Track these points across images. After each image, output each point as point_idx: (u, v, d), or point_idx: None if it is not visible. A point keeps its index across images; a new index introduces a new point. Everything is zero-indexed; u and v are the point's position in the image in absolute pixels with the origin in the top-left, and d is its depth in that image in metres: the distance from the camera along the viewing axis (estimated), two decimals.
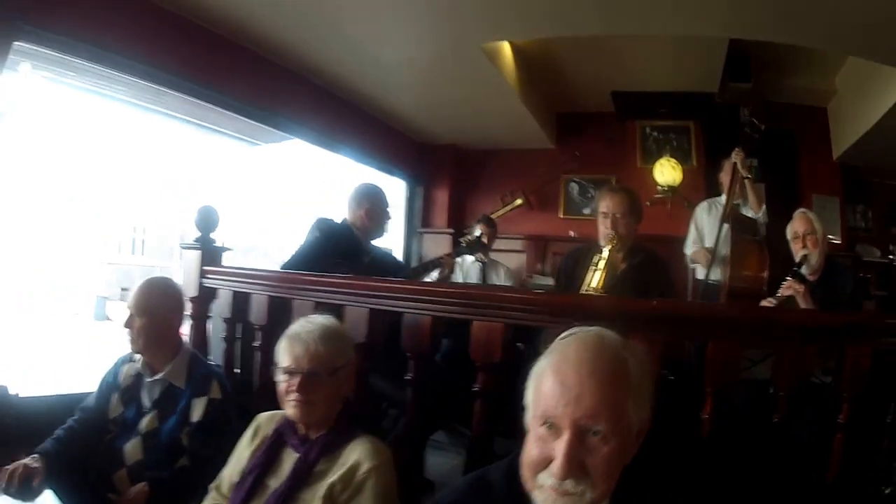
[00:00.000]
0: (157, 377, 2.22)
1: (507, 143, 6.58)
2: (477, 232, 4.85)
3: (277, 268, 3.22)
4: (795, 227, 3.50)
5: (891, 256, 6.47)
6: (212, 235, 2.87)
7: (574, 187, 6.48)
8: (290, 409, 1.74)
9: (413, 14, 3.81)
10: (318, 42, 4.18)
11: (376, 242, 3.56)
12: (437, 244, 6.31)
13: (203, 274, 2.77)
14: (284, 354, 1.76)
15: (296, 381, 1.71)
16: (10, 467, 1.99)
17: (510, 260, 5.98)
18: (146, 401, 2.23)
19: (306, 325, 1.80)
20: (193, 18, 3.67)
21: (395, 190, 6.66)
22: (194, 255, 2.81)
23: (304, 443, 1.76)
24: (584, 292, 2.88)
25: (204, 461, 2.02)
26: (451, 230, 6.37)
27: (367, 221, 3.36)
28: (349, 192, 3.45)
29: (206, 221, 2.86)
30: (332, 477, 1.67)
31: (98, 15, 3.11)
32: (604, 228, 3.09)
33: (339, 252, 3.17)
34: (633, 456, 1.25)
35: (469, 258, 4.78)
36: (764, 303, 3.33)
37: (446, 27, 4.03)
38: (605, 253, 2.98)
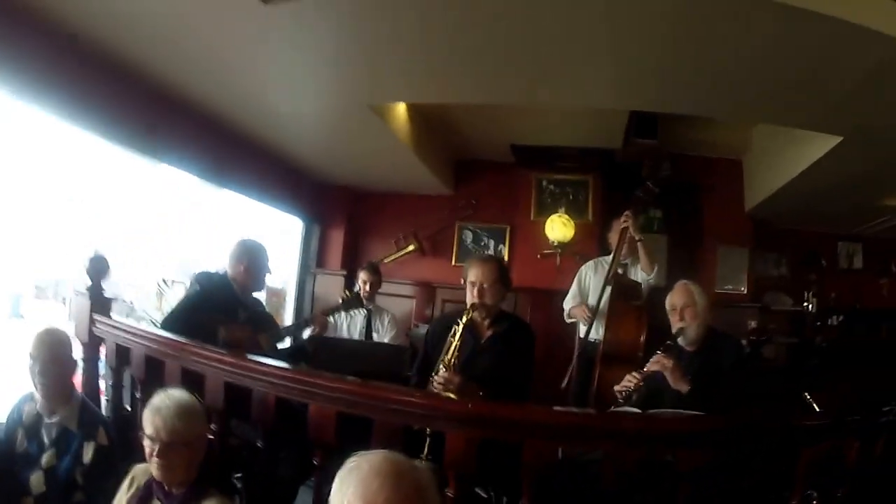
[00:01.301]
0: (53, 419, 2.64)
1: (403, 188, 7.04)
2: (361, 278, 5.37)
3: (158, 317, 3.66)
4: (674, 299, 3.65)
5: (805, 304, 7.01)
6: (102, 284, 3.23)
7: (468, 234, 7.00)
8: (153, 469, 2.19)
9: (306, 71, 4.18)
10: (212, 85, 4.45)
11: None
12: (330, 285, 6.76)
13: (92, 322, 3.16)
14: (147, 423, 2.18)
15: (157, 447, 2.15)
16: None
17: (399, 305, 6.49)
18: (45, 438, 2.64)
19: (165, 400, 2.23)
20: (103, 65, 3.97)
21: (293, 229, 7.13)
22: (85, 304, 3.19)
23: (167, 496, 2.21)
24: (439, 365, 3.18)
25: (95, 500, 2.45)
26: (345, 272, 6.79)
27: (246, 277, 3.77)
28: (231, 246, 3.87)
29: (97, 270, 3.22)
30: None
31: None
32: (470, 297, 3.37)
33: (217, 307, 3.57)
34: None
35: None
36: (628, 377, 3.42)
37: (336, 87, 4.45)
38: (460, 327, 3.24)
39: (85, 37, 3.65)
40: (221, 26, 3.44)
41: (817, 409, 2.75)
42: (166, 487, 2.21)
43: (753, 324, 6.51)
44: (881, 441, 2.36)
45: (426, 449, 2.70)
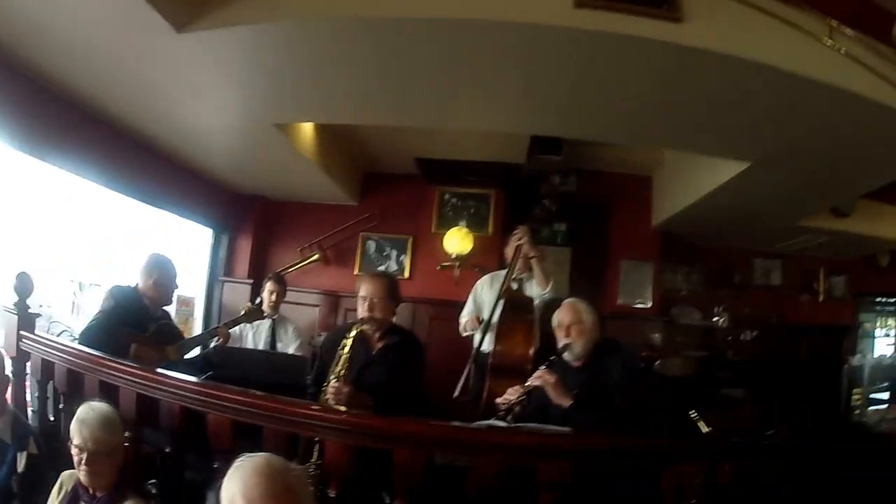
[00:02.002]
0: None
1: (310, 198, 7.42)
2: (268, 289, 5.69)
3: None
4: (560, 316, 3.83)
5: (715, 318, 7.64)
6: (28, 301, 3.61)
7: (372, 245, 7.42)
8: (81, 476, 2.61)
9: (213, 91, 4.52)
10: (122, 97, 4.71)
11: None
12: (237, 293, 7.09)
13: (20, 338, 3.55)
14: (75, 434, 2.57)
15: (84, 456, 2.57)
16: None
17: (304, 314, 6.87)
18: None
19: (89, 412, 2.61)
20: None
21: (201, 237, 7.42)
22: (13, 320, 3.57)
23: (92, 500, 2.63)
24: (330, 376, 3.49)
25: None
26: (252, 280, 7.11)
27: (155, 291, 4.23)
28: (142, 260, 4.31)
29: (23, 287, 3.59)
30: None
31: None
32: (361, 311, 3.71)
33: (129, 320, 4.02)
34: None
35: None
36: (510, 391, 3.57)
37: (242, 106, 4.82)
38: (349, 340, 3.57)
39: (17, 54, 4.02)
40: (136, 47, 3.81)
41: (704, 429, 2.85)
42: (91, 491, 2.63)
43: (657, 336, 6.97)
44: (729, 465, 2.56)
45: (315, 455, 2.94)
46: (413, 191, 7.36)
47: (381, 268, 7.26)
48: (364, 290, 3.80)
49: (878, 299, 8.43)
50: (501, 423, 3.36)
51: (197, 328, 6.98)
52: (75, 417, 2.63)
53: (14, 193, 4.66)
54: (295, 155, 5.71)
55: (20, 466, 2.99)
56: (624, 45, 3.42)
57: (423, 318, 6.74)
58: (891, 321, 8.38)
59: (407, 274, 7.25)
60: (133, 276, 4.36)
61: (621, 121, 4.66)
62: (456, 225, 6.99)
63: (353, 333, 3.65)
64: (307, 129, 5.76)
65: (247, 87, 4.50)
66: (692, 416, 2.88)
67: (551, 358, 3.72)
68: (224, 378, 3.43)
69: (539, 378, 3.55)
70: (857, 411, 6.71)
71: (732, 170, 5.12)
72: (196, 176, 6.77)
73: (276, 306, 5.72)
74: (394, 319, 3.94)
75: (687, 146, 5.31)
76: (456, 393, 4.88)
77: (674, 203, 6.59)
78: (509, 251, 5.19)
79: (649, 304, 7.15)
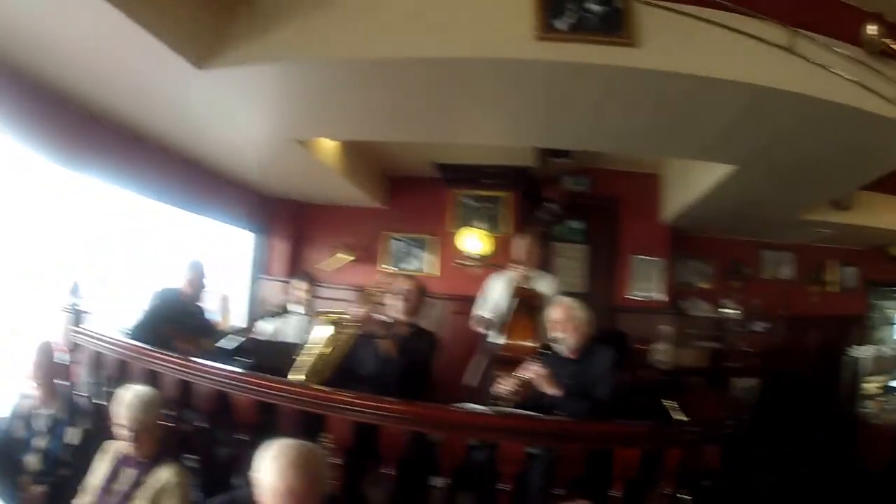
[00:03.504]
0: (44, 411, 3.60)
1: (339, 201, 7.91)
2: (297, 287, 6.12)
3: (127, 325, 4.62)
4: (553, 315, 4.04)
5: (725, 309, 7.76)
6: (80, 303, 4.19)
7: (396, 244, 7.88)
8: (125, 447, 3.09)
9: (238, 112, 4.94)
10: (165, 120, 5.22)
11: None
12: (275, 290, 7.58)
13: (73, 333, 4.13)
14: (119, 414, 3.03)
15: (127, 432, 3.05)
16: None
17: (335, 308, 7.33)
18: (39, 427, 3.58)
19: (132, 396, 3.08)
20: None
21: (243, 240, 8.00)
22: (67, 318, 4.16)
23: (134, 465, 3.11)
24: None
25: (80, 472, 3.31)
26: (288, 279, 7.35)
27: (190, 290, 4.81)
28: (182, 265, 4.90)
29: (76, 293, 4.20)
30: (154, 486, 3.02)
31: None
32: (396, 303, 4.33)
33: (171, 316, 4.60)
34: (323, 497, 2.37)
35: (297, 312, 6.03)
36: (505, 380, 3.79)
37: (262, 124, 5.24)
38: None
39: (70, 90, 4.59)
40: (166, 81, 4.30)
41: (683, 418, 3.06)
42: (133, 459, 3.13)
43: (667, 329, 7.13)
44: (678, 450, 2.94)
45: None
46: (433, 193, 7.76)
47: (405, 265, 7.77)
48: (396, 289, 4.38)
49: (892, 289, 8.52)
50: (479, 407, 3.68)
51: (235, 322, 7.32)
52: (119, 399, 3.11)
53: (75, 211, 5.22)
54: (317, 165, 6.11)
55: (71, 439, 3.55)
56: (584, 70, 3.71)
57: (443, 312, 7.02)
58: None
59: (429, 271, 7.69)
60: (174, 279, 4.95)
61: (597, 134, 5.02)
62: (471, 225, 7.37)
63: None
64: (328, 141, 6.14)
65: (265, 110, 4.99)
66: (671, 404, 3.12)
67: (539, 350, 4.13)
68: (257, 365, 4.07)
69: (531, 371, 3.76)
70: (865, 401, 6.64)
71: (723, 171, 5.36)
72: (235, 185, 7.33)
73: (307, 302, 6.13)
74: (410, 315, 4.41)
75: (669, 153, 5.70)
76: (466, 380, 5.26)
77: (678, 200, 6.84)
78: (515, 252, 5.39)
79: (660, 297, 7.39)
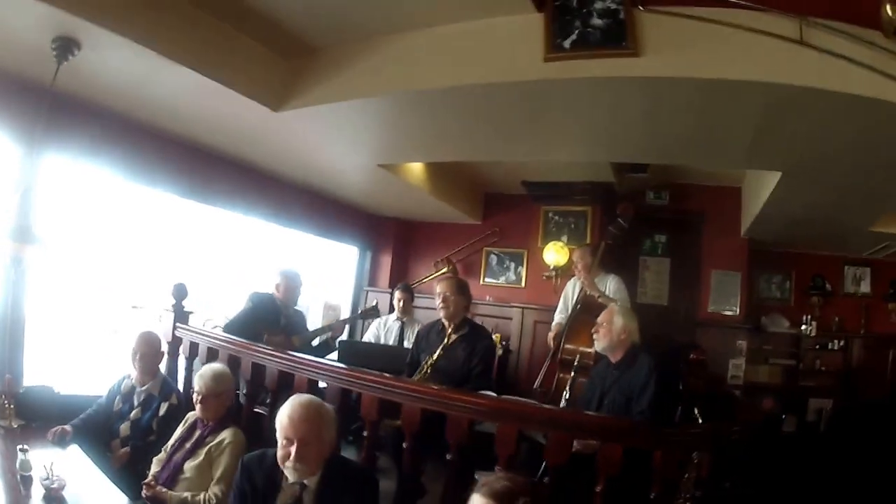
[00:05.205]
0: (143, 388, 4.19)
1: (438, 218, 8.36)
2: (396, 297, 6.64)
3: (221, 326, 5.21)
4: (599, 317, 4.18)
5: (803, 326, 7.43)
6: (183, 303, 4.84)
7: (493, 258, 8.23)
8: (198, 412, 3.65)
9: (316, 142, 5.61)
10: (271, 155, 6.16)
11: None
12: (379, 300, 7.68)
13: (175, 328, 4.77)
14: (195, 382, 3.66)
15: (198, 397, 3.60)
16: (55, 429, 3.92)
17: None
18: (136, 401, 4.17)
19: (206, 369, 3.72)
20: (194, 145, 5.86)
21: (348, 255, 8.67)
22: (170, 316, 4.81)
23: (204, 426, 3.62)
24: (427, 361, 4.36)
25: (162, 438, 3.86)
26: (391, 290, 7.77)
27: (281, 294, 5.32)
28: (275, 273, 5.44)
29: (179, 294, 4.83)
30: (212, 443, 3.54)
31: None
32: (438, 307, 4.48)
33: (264, 317, 5.13)
34: (331, 453, 2.76)
35: (391, 317, 6.60)
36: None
37: (348, 151, 5.85)
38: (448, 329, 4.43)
39: (185, 135, 5.52)
40: (253, 123, 5.09)
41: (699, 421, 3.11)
42: (205, 422, 3.65)
43: (742, 344, 7.03)
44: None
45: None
46: (524, 209, 7.99)
47: (501, 278, 8.13)
48: (438, 288, 4.56)
49: None
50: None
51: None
52: (198, 371, 3.73)
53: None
54: (404, 186, 6.64)
55: (162, 412, 4.11)
56: (593, 85, 3.81)
57: (528, 322, 7.43)
58: None
59: (523, 284, 8.01)
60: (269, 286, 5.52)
61: (631, 145, 5.09)
62: (558, 239, 7.57)
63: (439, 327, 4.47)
64: (415, 164, 6.63)
65: (342, 141, 5.58)
66: (694, 412, 3.18)
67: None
68: (344, 361, 4.52)
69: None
70: None
71: (773, 179, 5.19)
72: (341, 205, 8.08)
73: (404, 310, 6.64)
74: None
75: (710, 163, 5.69)
76: (535, 384, 5.53)
77: (751, 212, 6.62)
78: (578, 261, 5.74)
79: (737, 312, 7.21)
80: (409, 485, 3.56)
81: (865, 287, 7.62)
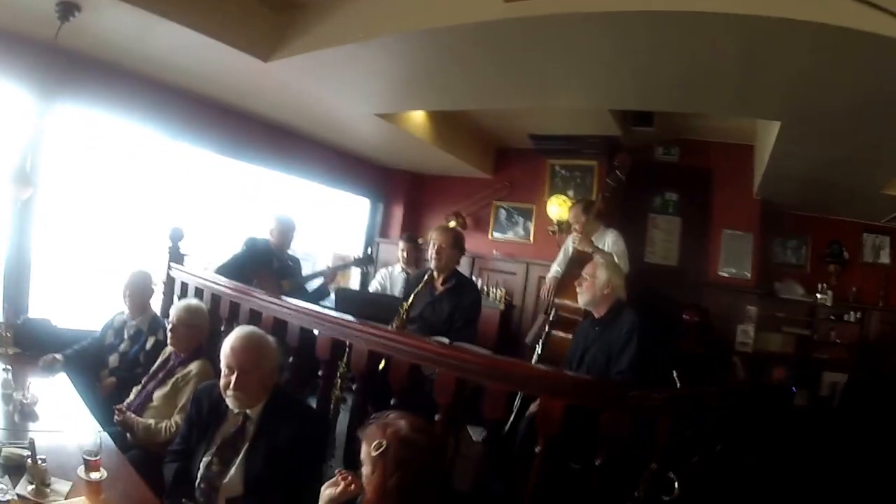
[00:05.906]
0: (132, 323, 4.43)
1: (451, 172, 8.36)
2: (400, 247, 6.53)
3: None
4: (584, 269, 4.12)
5: (818, 295, 6.99)
6: (179, 245, 5.05)
7: (503, 213, 8.26)
8: (169, 340, 3.85)
9: (312, 91, 5.67)
10: (282, 108, 6.37)
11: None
12: (390, 251, 8.02)
13: (169, 268, 5.00)
14: (171, 316, 3.86)
15: (171, 327, 3.79)
16: (46, 357, 4.14)
17: None
18: (125, 335, 4.40)
19: (182, 301, 3.99)
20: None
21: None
22: (165, 257, 5.03)
23: (177, 358, 3.80)
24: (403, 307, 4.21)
25: (148, 371, 4.03)
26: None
27: (275, 238, 5.48)
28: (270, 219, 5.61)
29: (175, 236, 5.05)
30: (180, 374, 3.72)
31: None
32: (430, 256, 4.43)
33: (257, 259, 5.31)
34: (273, 384, 2.90)
35: (396, 269, 6.47)
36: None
37: (344, 100, 5.90)
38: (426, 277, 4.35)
39: (188, 87, 5.78)
40: (249, 75, 5.26)
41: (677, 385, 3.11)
42: (178, 354, 3.84)
43: (753, 310, 6.80)
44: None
45: (345, 357, 3.81)
46: (532, 164, 7.96)
47: (510, 233, 8.15)
48: (433, 237, 4.55)
49: None
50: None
51: (354, 280, 8.29)
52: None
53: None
54: (404, 136, 6.71)
55: (148, 346, 4.33)
56: (561, 24, 3.59)
57: (533, 277, 7.44)
58: None
59: (531, 239, 8.05)
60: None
61: (616, 90, 4.88)
62: (564, 194, 7.51)
63: (426, 277, 4.41)
64: (417, 115, 6.61)
65: (338, 90, 5.64)
66: (672, 375, 3.21)
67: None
68: (339, 309, 4.50)
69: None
70: None
71: (774, 129, 4.90)
72: (351, 157, 8.22)
73: (408, 261, 6.51)
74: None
75: (703, 107, 5.27)
76: (528, 339, 5.48)
77: (759, 168, 6.21)
78: (573, 219, 5.57)
79: (748, 276, 6.95)
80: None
81: (885, 257, 7.10)
